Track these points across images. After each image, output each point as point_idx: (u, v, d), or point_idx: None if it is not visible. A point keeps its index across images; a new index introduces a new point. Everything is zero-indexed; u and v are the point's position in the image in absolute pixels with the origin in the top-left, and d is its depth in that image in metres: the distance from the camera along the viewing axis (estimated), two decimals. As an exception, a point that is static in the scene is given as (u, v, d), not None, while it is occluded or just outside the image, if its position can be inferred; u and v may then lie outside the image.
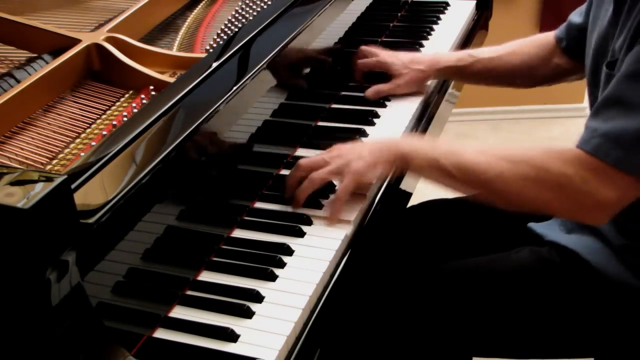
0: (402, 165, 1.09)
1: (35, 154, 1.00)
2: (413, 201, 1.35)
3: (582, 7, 1.28)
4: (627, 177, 0.94)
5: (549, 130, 2.94)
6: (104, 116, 1.11)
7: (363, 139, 1.28)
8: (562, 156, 0.97)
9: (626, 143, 0.93)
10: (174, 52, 1.28)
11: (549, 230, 1.20)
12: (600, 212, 0.98)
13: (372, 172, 1.09)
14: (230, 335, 0.89)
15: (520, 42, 1.40)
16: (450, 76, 1.46)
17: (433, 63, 1.40)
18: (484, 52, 1.39)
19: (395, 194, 1.22)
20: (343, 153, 1.09)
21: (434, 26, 1.68)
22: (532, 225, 1.23)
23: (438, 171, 1.04)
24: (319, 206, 1.11)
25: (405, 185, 1.25)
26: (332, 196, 1.11)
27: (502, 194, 1.01)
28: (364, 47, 1.46)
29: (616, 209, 0.97)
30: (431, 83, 1.44)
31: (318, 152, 1.24)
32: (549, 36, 1.38)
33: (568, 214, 1.03)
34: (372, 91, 1.39)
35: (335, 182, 1.12)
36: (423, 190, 1.34)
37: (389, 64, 1.41)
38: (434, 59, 1.41)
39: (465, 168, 1.01)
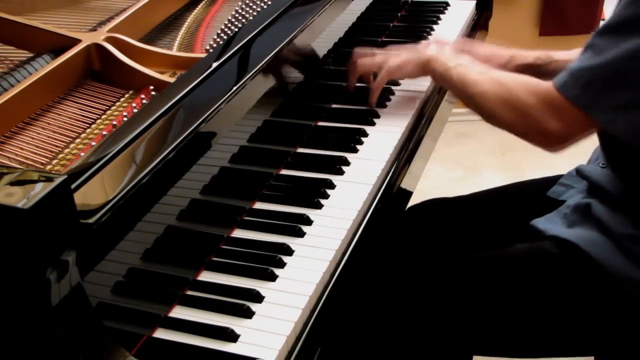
0: (426, 68, 1.28)
1: (35, 154, 1.00)
2: (414, 200, 1.35)
3: None
4: (576, 112, 1.03)
5: (549, 130, 2.94)
6: (104, 116, 1.11)
7: (363, 138, 1.28)
8: (533, 87, 1.09)
9: (583, 79, 1.02)
10: (174, 52, 1.28)
11: (550, 224, 1.20)
12: (548, 140, 1.10)
13: (404, 70, 1.32)
14: (230, 335, 0.89)
15: None
16: (525, 73, 1.44)
17: (512, 58, 1.40)
18: (560, 54, 1.40)
19: (396, 193, 1.22)
20: (388, 52, 1.35)
21: (434, 26, 1.68)
22: (535, 221, 1.23)
23: (446, 79, 1.24)
24: (319, 206, 1.11)
25: (405, 184, 1.25)
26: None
27: (481, 108, 1.16)
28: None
29: (565, 141, 1.09)
30: (431, 84, 1.44)
31: (318, 152, 1.25)
32: None
33: (524, 136, 1.13)
34: None
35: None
36: (423, 190, 1.34)
37: (469, 50, 1.40)
38: (514, 54, 1.42)
39: (463, 81, 1.19)
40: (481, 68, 1.19)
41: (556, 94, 1.05)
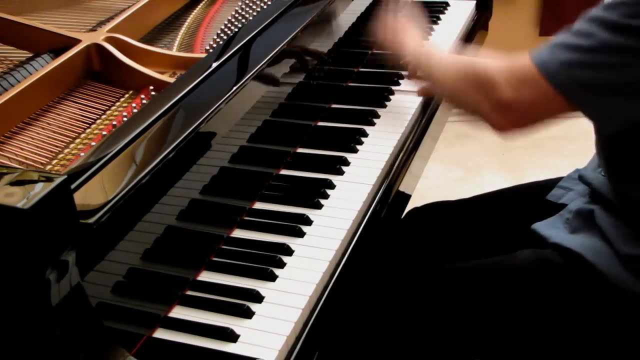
0: (398, 49, 1.33)
1: (35, 154, 1.00)
2: (413, 200, 1.35)
3: None
4: (539, 82, 0.97)
5: (549, 130, 2.93)
6: (103, 116, 1.11)
7: (363, 138, 1.28)
8: (498, 60, 1.04)
9: (550, 45, 0.99)
10: (174, 52, 1.28)
11: (553, 230, 1.19)
12: (498, 112, 1.03)
13: (383, 44, 1.38)
14: (230, 335, 0.89)
15: None
16: None
17: None
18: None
19: (396, 193, 1.22)
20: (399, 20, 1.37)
21: (434, 26, 1.68)
22: (536, 226, 1.23)
23: (416, 57, 1.27)
24: (319, 206, 1.11)
25: (405, 184, 1.25)
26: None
27: (438, 83, 1.21)
28: None
29: (515, 115, 1.02)
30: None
31: (318, 152, 1.26)
32: None
33: (475, 108, 1.08)
34: None
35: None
36: (423, 190, 1.34)
37: None
38: None
39: (430, 59, 1.21)
40: (441, 55, 1.21)
41: (527, 59, 1.00)
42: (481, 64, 1.06)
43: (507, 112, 1.03)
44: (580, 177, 1.22)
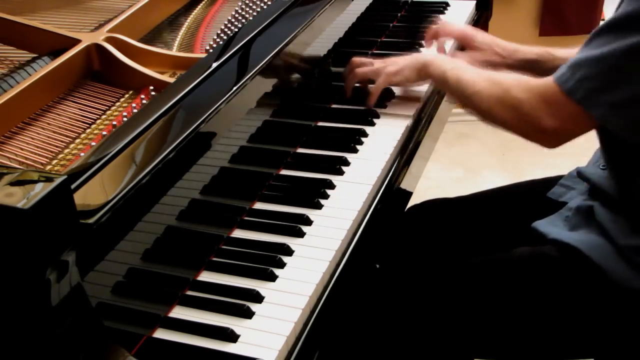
0: (423, 72, 1.30)
1: (35, 154, 1.00)
2: (413, 200, 1.35)
3: None
4: (573, 107, 1.02)
5: (549, 130, 2.94)
6: (103, 116, 1.11)
7: (363, 139, 1.28)
8: (526, 83, 1.09)
9: (580, 73, 1.01)
10: (174, 52, 1.28)
11: (552, 227, 1.20)
12: (545, 137, 1.09)
13: (401, 74, 1.33)
14: (230, 336, 0.89)
15: None
16: (525, 70, 1.44)
17: (513, 52, 1.41)
18: (561, 52, 1.39)
19: (396, 193, 1.22)
20: (385, 59, 1.36)
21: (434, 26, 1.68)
22: (536, 224, 1.23)
23: (443, 82, 1.25)
24: (319, 206, 1.11)
25: (405, 184, 1.25)
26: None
27: (477, 108, 1.17)
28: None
29: (562, 138, 1.08)
30: (430, 84, 1.44)
31: (318, 152, 1.26)
32: None
33: (522, 134, 1.13)
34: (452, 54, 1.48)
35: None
36: (423, 190, 1.34)
37: (472, 36, 1.46)
38: (517, 48, 1.42)
39: (460, 82, 1.20)
40: (477, 70, 1.19)
41: (552, 89, 1.04)
42: (515, 93, 1.09)
43: (547, 135, 1.08)
44: (578, 173, 1.23)
